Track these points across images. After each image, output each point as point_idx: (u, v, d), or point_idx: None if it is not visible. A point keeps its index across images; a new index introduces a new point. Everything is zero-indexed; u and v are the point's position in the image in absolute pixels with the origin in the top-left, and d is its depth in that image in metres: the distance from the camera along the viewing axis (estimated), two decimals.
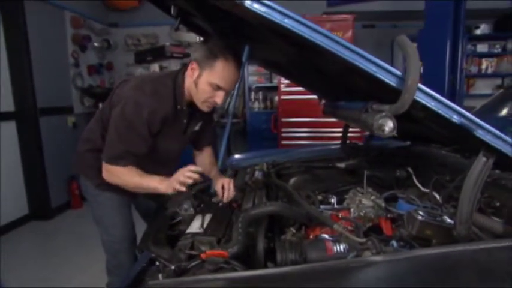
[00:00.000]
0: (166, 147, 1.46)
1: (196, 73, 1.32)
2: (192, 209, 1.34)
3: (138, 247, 1.21)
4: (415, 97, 0.80)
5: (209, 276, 0.83)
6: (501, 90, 2.82)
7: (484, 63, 5.19)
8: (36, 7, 3.67)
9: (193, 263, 0.92)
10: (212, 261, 0.87)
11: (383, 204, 1.23)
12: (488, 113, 2.44)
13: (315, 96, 2.06)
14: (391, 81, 0.83)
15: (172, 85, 1.37)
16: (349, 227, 1.08)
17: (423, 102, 0.84)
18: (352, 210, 1.23)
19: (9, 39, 3.51)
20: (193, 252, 1.02)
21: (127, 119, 1.28)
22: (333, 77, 1.28)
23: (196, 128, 1.54)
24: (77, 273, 2.60)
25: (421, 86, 0.81)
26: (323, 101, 1.94)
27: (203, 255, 0.91)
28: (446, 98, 0.85)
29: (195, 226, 1.22)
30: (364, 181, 1.35)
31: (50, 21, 3.98)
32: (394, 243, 0.95)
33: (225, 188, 1.42)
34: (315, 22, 0.82)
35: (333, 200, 1.39)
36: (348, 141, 2.05)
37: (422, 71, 3.32)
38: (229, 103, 2.52)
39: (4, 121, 3.46)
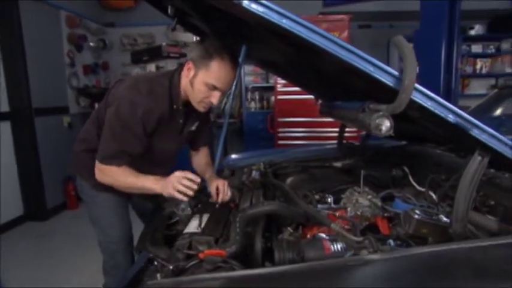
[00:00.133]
0: (162, 147, 1.46)
1: (192, 73, 1.32)
2: (189, 209, 1.34)
3: (135, 247, 1.21)
4: (411, 97, 0.81)
5: (207, 276, 0.83)
6: (495, 90, 2.85)
7: (479, 63, 5.24)
8: (31, 6, 3.65)
9: (191, 263, 0.92)
10: (210, 260, 0.87)
11: (379, 204, 1.24)
12: (483, 112, 2.47)
13: (311, 96, 2.07)
14: (388, 81, 0.83)
15: (168, 85, 1.37)
16: (346, 226, 1.09)
17: (420, 102, 0.84)
18: (349, 209, 1.24)
19: (4, 38, 3.49)
20: (191, 252, 1.02)
21: (122, 119, 1.27)
22: (330, 77, 1.28)
23: (193, 128, 1.54)
24: (73, 274, 2.59)
25: (417, 86, 0.82)
26: (320, 101, 1.95)
27: (201, 255, 0.91)
28: (442, 97, 0.86)
29: (193, 226, 1.22)
30: (361, 180, 1.36)
31: (45, 21, 3.96)
32: (391, 242, 0.96)
33: (220, 190, 1.41)
34: (312, 22, 0.82)
35: (330, 200, 1.40)
36: (344, 141, 2.05)
37: (418, 71, 3.35)
38: (226, 103, 2.52)
39: None
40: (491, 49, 5.22)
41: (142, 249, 1.15)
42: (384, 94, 0.86)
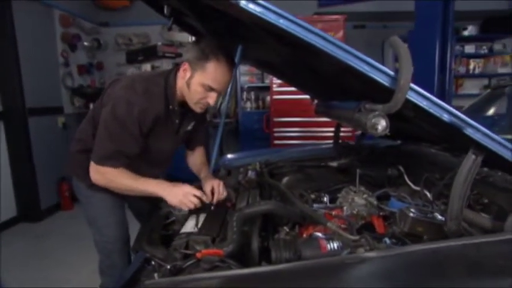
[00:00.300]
0: (159, 147, 1.46)
1: (188, 74, 1.32)
2: (186, 208, 1.34)
3: (132, 247, 1.20)
4: (407, 96, 0.82)
5: (205, 275, 0.83)
6: (488, 90, 2.88)
7: (472, 63, 5.29)
8: (24, 5, 3.61)
9: (188, 262, 0.92)
10: (207, 260, 0.88)
11: (375, 202, 1.25)
12: (476, 112, 2.49)
13: (306, 96, 2.07)
14: (384, 81, 0.84)
15: (163, 85, 1.36)
16: (343, 225, 1.10)
17: (415, 101, 0.85)
18: (345, 208, 1.25)
19: None
20: (189, 252, 1.02)
21: (118, 118, 1.27)
22: (326, 77, 1.29)
23: (189, 127, 1.54)
24: (71, 274, 2.58)
25: (413, 85, 0.83)
26: (315, 101, 1.96)
27: (198, 255, 0.91)
28: (436, 97, 0.87)
29: (190, 226, 1.22)
30: (357, 180, 1.36)
31: (38, 20, 3.92)
32: (387, 240, 0.97)
33: (215, 190, 1.40)
34: (307, 22, 0.82)
35: (326, 199, 1.41)
36: (339, 141, 2.07)
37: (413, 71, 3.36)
38: (221, 103, 2.53)
39: None
40: (484, 50, 5.28)
41: (139, 249, 1.14)
42: (380, 94, 0.87)
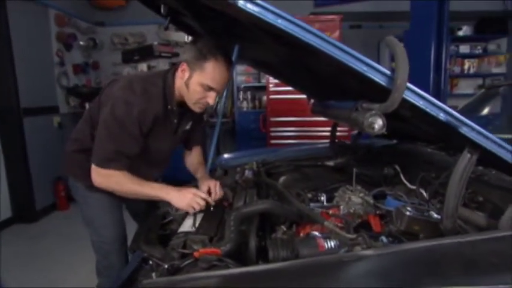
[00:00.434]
0: (157, 147, 1.46)
1: (186, 74, 1.32)
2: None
3: (129, 247, 1.20)
4: (404, 96, 0.83)
5: (203, 274, 0.83)
6: (482, 90, 2.91)
7: (466, 63, 5.32)
8: (18, 5, 3.58)
9: (186, 262, 0.92)
10: (205, 259, 0.88)
11: (372, 201, 1.26)
12: (470, 112, 2.51)
13: (303, 96, 2.08)
14: (381, 81, 0.85)
15: (162, 85, 1.36)
16: (340, 224, 1.10)
17: (412, 101, 0.86)
18: (341, 207, 1.25)
19: None
20: (186, 251, 1.02)
21: (117, 119, 1.26)
22: (324, 77, 1.30)
23: (187, 127, 1.54)
24: (68, 275, 2.57)
25: (409, 85, 0.84)
26: (312, 101, 1.96)
27: (196, 254, 0.91)
28: (432, 97, 0.88)
29: (187, 225, 1.22)
30: (353, 179, 1.37)
31: (33, 19, 3.89)
32: (384, 238, 0.97)
33: (211, 190, 1.41)
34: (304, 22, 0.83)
35: (323, 198, 1.41)
36: (336, 140, 2.07)
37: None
38: (218, 103, 2.52)
39: None
40: (479, 50, 5.31)
41: (136, 249, 1.14)
42: (377, 93, 0.87)
